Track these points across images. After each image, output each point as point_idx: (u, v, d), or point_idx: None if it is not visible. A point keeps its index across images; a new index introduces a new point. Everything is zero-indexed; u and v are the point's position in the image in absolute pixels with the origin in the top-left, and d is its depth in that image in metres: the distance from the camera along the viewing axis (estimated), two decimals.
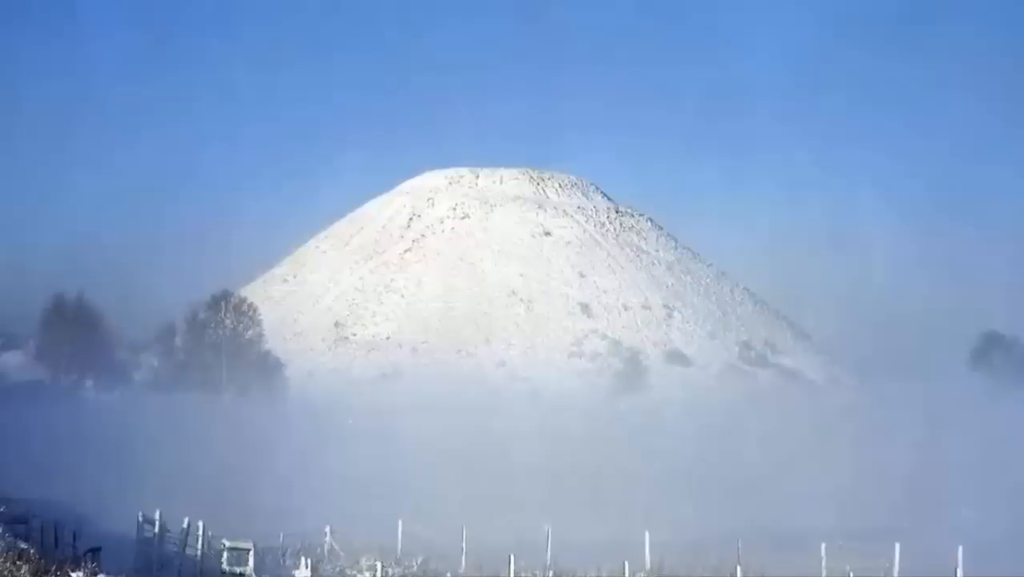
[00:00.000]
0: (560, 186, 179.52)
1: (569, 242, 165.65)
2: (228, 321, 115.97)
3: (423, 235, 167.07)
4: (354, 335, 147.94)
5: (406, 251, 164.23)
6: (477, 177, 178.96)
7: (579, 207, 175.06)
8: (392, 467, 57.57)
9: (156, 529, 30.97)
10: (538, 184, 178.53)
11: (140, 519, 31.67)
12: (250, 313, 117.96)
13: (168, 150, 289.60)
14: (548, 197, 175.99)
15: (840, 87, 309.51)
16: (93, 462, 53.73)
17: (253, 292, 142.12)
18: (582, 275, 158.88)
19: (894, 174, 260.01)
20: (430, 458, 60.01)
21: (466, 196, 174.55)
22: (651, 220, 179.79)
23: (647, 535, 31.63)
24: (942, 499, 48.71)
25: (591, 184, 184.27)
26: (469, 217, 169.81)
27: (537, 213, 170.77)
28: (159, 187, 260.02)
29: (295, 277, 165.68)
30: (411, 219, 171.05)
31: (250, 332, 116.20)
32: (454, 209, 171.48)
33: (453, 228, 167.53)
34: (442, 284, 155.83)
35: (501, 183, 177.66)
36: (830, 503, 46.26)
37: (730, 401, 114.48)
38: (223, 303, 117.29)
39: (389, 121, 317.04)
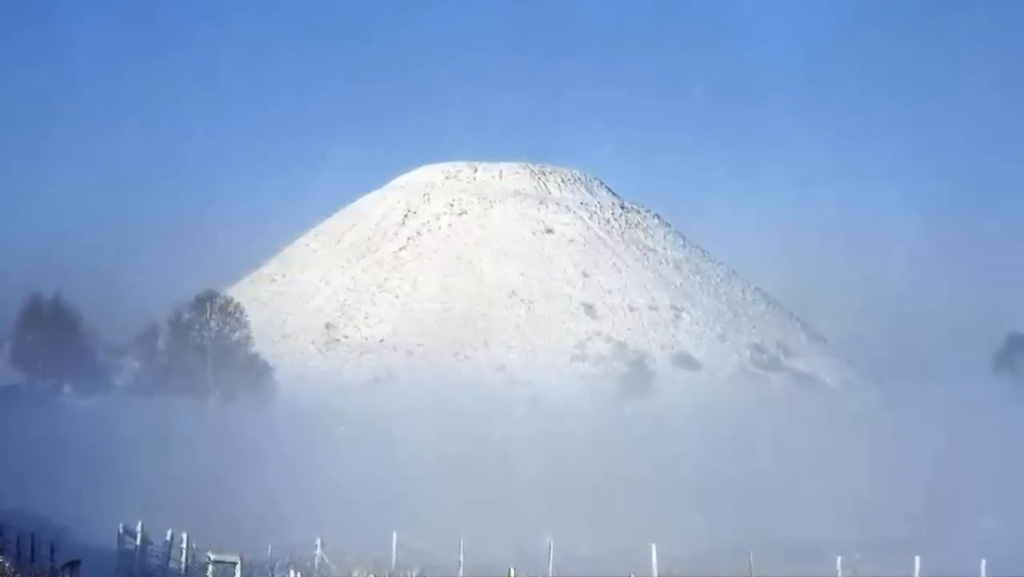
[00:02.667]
0: (562, 181, 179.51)
1: (572, 240, 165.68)
2: (213, 323, 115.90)
3: (418, 232, 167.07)
4: (346, 337, 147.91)
5: (400, 249, 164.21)
6: (475, 171, 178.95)
7: (582, 203, 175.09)
8: (386, 476, 57.62)
9: (138, 541, 30.94)
10: (539, 179, 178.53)
11: (121, 531, 31.61)
12: (236, 314, 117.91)
13: (151, 143, 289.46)
14: (550, 192, 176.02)
15: (855, 77, 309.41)
16: (72, 471, 53.78)
17: (240, 292, 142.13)
18: (585, 274, 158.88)
19: (912, 168, 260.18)
20: (426, 466, 60.05)
21: (464, 191, 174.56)
22: (658, 216, 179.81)
23: (654, 547, 31.62)
24: (963, 509, 48.73)
25: (595, 179, 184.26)
26: (467, 213, 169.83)
27: (538, 209, 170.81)
28: (141, 182, 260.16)
29: (284, 276, 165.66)
30: (406, 216, 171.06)
31: (237, 334, 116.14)
32: (451, 205, 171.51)
33: (450, 225, 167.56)
34: (438, 284, 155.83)
35: (500, 178, 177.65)
36: (846, 513, 46.32)
37: (741, 406, 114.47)
38: (208, 304, 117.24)
39: (383, 113, 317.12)
